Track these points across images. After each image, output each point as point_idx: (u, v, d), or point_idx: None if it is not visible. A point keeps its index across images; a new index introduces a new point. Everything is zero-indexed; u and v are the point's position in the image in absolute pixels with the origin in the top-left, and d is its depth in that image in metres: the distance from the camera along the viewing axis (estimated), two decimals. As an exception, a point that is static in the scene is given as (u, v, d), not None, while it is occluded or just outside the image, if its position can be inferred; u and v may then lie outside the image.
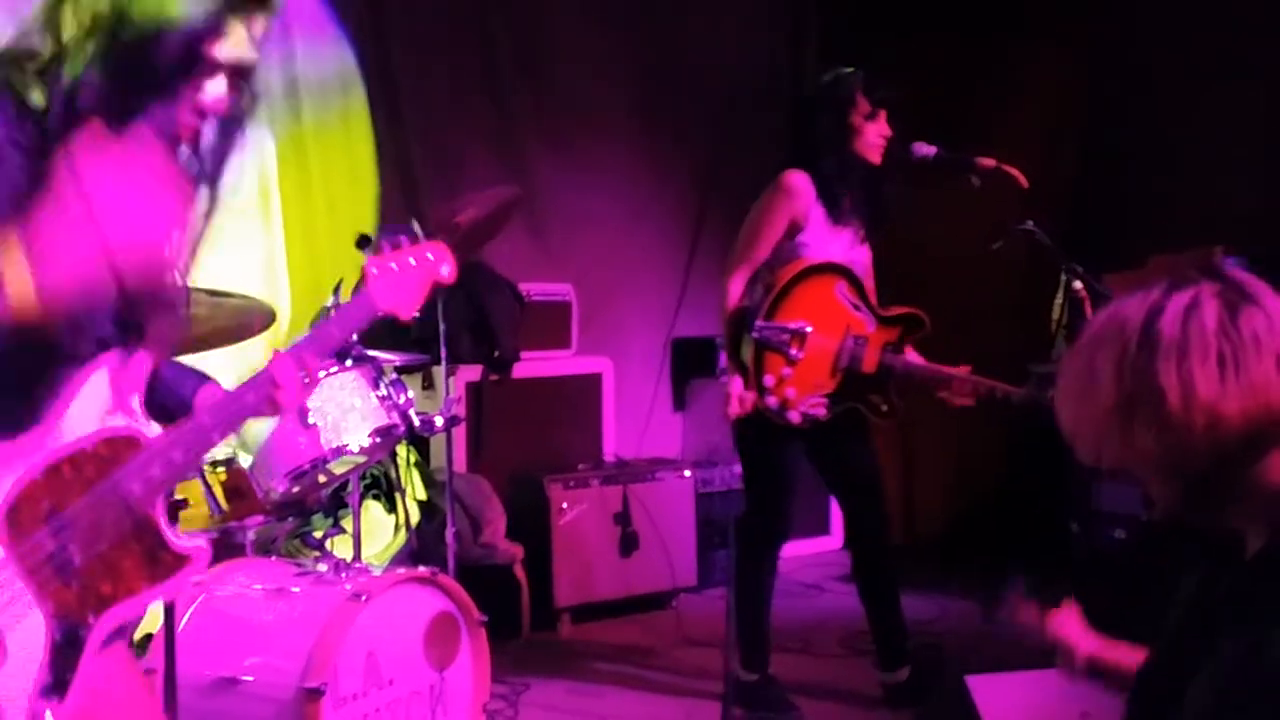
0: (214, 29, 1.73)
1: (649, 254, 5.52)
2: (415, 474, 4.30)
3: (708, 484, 5.01)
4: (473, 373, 4.67)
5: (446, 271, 2.08)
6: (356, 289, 2.03)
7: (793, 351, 3.37)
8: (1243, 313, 1.35)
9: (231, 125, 1.85)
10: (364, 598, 2.79)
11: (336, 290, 3.22)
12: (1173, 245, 3.83)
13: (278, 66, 4.53)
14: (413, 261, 2.02)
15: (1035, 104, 5.07)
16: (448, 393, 3.64)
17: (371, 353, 3.28)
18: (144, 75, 1.74)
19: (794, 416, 3.39)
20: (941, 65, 5.27)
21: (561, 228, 5.22)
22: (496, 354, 4.75)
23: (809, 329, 3.39)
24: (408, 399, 3.18)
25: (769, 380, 3.37)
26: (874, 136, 3.44)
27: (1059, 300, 3.23)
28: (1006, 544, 4.68)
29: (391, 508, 4.15)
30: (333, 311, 3.19)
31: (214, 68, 1.75)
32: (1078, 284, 3.20)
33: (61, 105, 1.72)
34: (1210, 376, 1.34)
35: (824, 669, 4.07)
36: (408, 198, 4.91)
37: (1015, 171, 3.31)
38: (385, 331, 4.08)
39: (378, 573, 3.03)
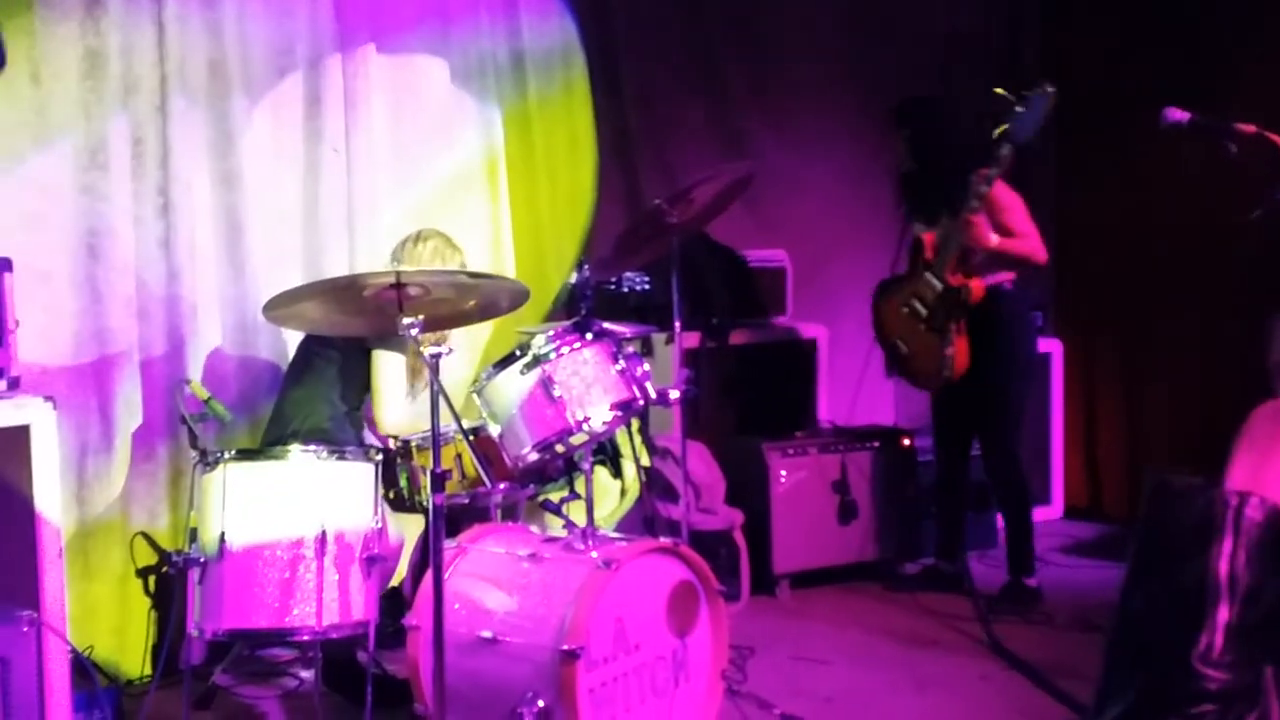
0: None
1: (861, 220, 5.47)
2: (638, 439, 4.40)
3: (924, 452, 4.95)
4: (691, 339, 4.74)
5: None
6: None
7: None
8: None
9: None
10: (613, 566, 2.90)
11: (580, 268, 3.31)
12: None
13: (504, 40, 4.65)
14: None
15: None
16: (680, 364, 3.70)
17: (608, 325, 3.37)
18: None
19: None
20: (1176, 29, 5.05)
21: (776, 195, 5.21)
22: (715, 321, 4.81)
23: None
24: (644, 371, 3.26)
25: None
26: None
27: None
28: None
29: (616, 473, 4.26)
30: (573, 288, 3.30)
31: None
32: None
33: None
34: None
35: (1060, 643, 3.99)
36: (625, 167, 5.00)
37: (1278, 138, 3.14)
38: (604, 302, 4.18)
39: (618, 540, 3.13)
